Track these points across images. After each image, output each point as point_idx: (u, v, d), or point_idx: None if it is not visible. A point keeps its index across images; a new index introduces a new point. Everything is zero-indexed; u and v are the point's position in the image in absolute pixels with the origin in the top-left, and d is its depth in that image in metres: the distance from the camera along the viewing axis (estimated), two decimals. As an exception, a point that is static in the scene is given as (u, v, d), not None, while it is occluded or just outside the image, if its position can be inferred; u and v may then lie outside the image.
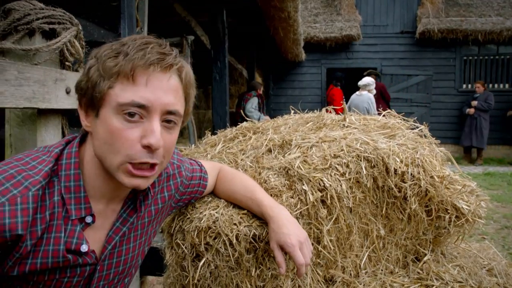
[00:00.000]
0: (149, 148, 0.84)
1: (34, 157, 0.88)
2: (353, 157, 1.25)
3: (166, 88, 0.85)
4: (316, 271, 1.25)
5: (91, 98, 0.86)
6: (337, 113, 6.46)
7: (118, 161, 0.85)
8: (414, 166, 1.26)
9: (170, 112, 0.86)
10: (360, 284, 1.27)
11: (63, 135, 1.40)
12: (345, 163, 1.24)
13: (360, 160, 1.25)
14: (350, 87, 7.61)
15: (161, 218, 1.15)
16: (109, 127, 0.83)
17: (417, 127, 1.50)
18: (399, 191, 1.27)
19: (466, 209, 1.31)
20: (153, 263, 1.84)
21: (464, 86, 10.43)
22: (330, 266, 1.27)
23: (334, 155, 1.26)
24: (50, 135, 1.30)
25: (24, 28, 1.20)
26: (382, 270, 1.33)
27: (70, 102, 1.30)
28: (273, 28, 6.60)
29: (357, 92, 7.32)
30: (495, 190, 7.23)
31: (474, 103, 9.59)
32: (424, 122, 1.52)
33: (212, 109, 4.73)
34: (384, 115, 1.57)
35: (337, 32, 10.38)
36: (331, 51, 10.89)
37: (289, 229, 1.10)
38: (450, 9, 10.29)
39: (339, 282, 1.27)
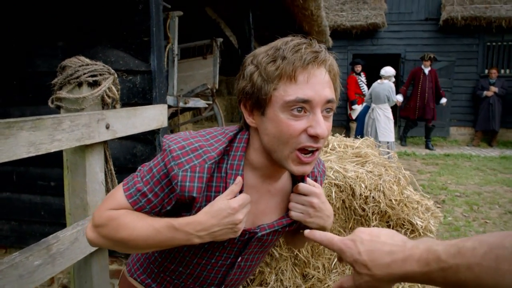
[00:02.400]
0: (315, 137, 0.88)
1: (213, 135, 0.98)
2: (325, 184, 1.48)
3: (323, 82, 0.88)
4: (295, 269, 1.50)
5: (257, 100, 0.91)
6: (350, 99, 6.49)
7: (288, 151, 0.90)
8: (376, 191, 1.47)
9: (328, 101, 0.89)
10: (331, 281, 1.52)
11: (105, 154, 1.69)
12: (319, 188, 1.47)
13: (331, 186, 1.47)
14: (376, 73, 7.67)
15: None
16: (278, 123, 0.88)
17: (388, 153, 1.68)
18: (363, 211, 1.48)
19: (420, 225, 1.51)
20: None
21: (486, 71, 10.09)
22: (306, 266, 1.52)
23: (311, 181, 1.49)
24: (95, 159, 1.60)
25: (75, 81, 1.48)
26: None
27: (109, 134, 1.58)
28: (298, 22, 6.65)
29: (378, 81, 7.36)
30: (508, 174, 7.14)
31: (494, 88, 9.39)
32: (392, 151, 1.70)
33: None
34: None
35: (362, 20, 10.22)
36: (357, 38, 10.76)
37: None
38: (475, -3, 9.86)
39: (314, 278, 1.52)
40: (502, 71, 10.15)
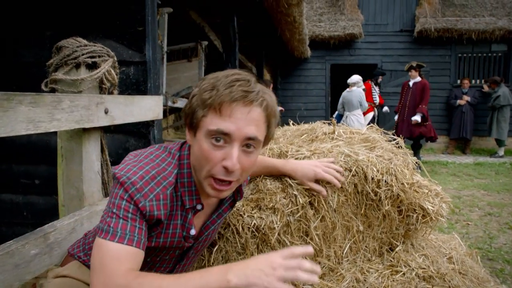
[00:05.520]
0: (226, 169, 0.95)
1: (162, 158, 1.02)
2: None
3: (247, 119, 0.94)
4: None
5: (191, 121, 0.99)
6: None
7: (204, 175, 0.98)
8: (388, 175, 1.44)
9: (249, 139, 0.95)
10: (343, 269, 1.46)
11: (101, 144, 1.60)
12: (330, 172, 1.42)
13: (343, 170, 1.43)
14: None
15: None
16: (201, 147, 0.96)
17: (395, 139, 1.66)
18: (375, 195, 1.45)
19: (431, 209, 1.49)
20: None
21: (458, 81, 10.45)
22: (317, 255, 1.46)
23: (322, 165, 1.44)
24: (92, 147, 1.50)
25: (73, 62, 1.39)
26: (361, 258, 1.51)
27: (108, 120, 1.49)
28: (280, 30, 6.71)
29: (347, 89, 7.53)
30: (483, 179, 7.34)
31: (467, 97, 9.73)
32: (400, 136, 1.68)
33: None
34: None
35: (340, 30, 10.42)
36: (334, 48, 10.95)
37: (305, 167, 1.38)
38: (446, 9, 10.25)
39: (325, 268, 1.47)
40: (473, 81, 10.54)
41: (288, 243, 1.39)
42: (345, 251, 1.48)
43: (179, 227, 1.06)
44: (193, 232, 1.08)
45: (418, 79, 7.85)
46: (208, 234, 1.18)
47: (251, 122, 0.94)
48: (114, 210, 0.93)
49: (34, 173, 2.22)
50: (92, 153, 1.50)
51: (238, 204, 1.43)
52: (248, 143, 0.96)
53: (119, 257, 0.88)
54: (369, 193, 1.43)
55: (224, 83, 0.94)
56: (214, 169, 0.96)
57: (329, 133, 1.69)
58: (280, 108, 7.70)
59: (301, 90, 11.34)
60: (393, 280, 1.41)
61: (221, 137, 0.94)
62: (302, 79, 11.38)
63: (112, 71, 1.51)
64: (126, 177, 0.94)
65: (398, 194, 1.44)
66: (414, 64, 7.83)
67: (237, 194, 1.17)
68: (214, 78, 0.96)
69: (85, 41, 1.45)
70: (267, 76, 9.61)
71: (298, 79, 11.39)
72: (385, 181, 1.43)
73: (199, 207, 1.07)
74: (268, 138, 1.04)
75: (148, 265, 1.10)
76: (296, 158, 1.50)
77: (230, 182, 0.98)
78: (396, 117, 8.02)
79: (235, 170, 0.95)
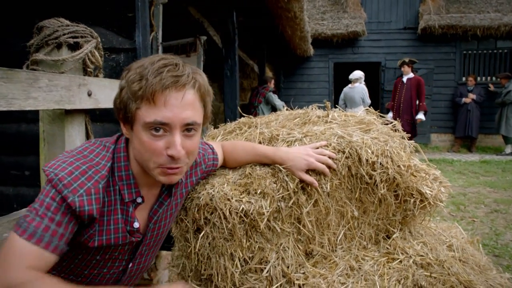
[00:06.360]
0: (172, 157, 0.95)
1: (96, 153, 1.00)
2: (330, 150, 1.37)
3: (182, 104, 0.93)
4: (297, 246, 1.38)
5: (125, 116, 0.96)
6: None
7: (151, 166, 0.97)
8: (384, 157, 1.37)
9: (188, 124, 0.95)
10: (336, 257, 1.39)
11: (86, 130, 1.55)
12: (322, 154, 1.36)
13: (337, 152, 1.36)
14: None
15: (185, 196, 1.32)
16: (141, 140, 0.94)
17: (391, 123, 1.60)
18: (370, 178, 1.38)
19: (429, 194, 1.42)
20: (165, 241, 2.00)
21: (464, 79, 10.32)
22: (310, 242, 1.40)
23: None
24: (75, 131, 1.45)
25: (54, 42, 1.34)
26: (356, 245, 1.45)
27: (91, 102, 1.44)
28: (281, 26, 6.65)
29: (349, 85, 7.43)
30: (490, 176, 7.22)
31: (472, 95, 9.60)
32: (397, 119, 1.62)
33: (224, 103, 4.85)
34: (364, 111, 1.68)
35: (343, 28, 10.35)
36: (338, 46, 10.87)
37: (297, 156, 1.30)
38: (450, 6, 10.14)
39: (318, 255, 1.40)
40: (479, 78, 10.41)
41: (279, 230, 1.33)
42: (339, 238, 1.42)
43: (120, 221, 1.03)
44: (136, 225, 1.06)
45: (411, 75, 7.91)
46: (157, 226, 1.15)
47: (187, 107, 0.93)
48: (36, 206, 0.90)
49: (23, 164, 2.17)
50: (75, 138, 1.45)
51: (226, 188, 1.37)
52: (188, 128, 0.96)
53: (22, 254, 0.85)
54: (364, 176, 1.37)
55: (152, 71, 0.90)
56: (160, 159, 0.95)
57: (323, 117, 1.62)
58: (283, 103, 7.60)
59: (304, 89, 11.27)
60: (389, 268, 1.34)
61: (160, 127, 0.92)
62: (305, 78, 11.31)
63: (96, 53, 1.46)
64: (54, 174, 0.91)
65: (394, 177, 1.37)
66: (406, 60, 7.86)
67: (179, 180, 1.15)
68: (140, 67, 0.93)
69: (67, 21, 1.40)
70: (269, 74, 9.55)
71: (301, 78, 11.32)
72: (380, 164, 1.36)
73: (139, 200, 1.06)
74: (206, 117, 1.04)
75: (99, 265, 1.08)
76: (288, 141, 1.44)
77: (179, 167, 0.98)
78: (390, 115, 7.93)
79: (181, 156, 0.95)
